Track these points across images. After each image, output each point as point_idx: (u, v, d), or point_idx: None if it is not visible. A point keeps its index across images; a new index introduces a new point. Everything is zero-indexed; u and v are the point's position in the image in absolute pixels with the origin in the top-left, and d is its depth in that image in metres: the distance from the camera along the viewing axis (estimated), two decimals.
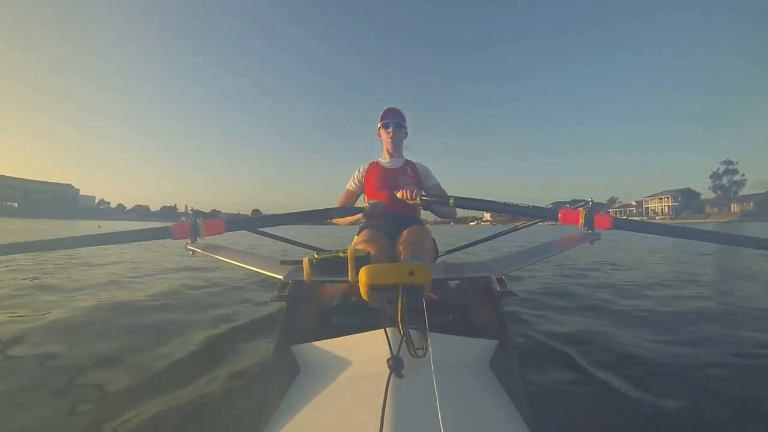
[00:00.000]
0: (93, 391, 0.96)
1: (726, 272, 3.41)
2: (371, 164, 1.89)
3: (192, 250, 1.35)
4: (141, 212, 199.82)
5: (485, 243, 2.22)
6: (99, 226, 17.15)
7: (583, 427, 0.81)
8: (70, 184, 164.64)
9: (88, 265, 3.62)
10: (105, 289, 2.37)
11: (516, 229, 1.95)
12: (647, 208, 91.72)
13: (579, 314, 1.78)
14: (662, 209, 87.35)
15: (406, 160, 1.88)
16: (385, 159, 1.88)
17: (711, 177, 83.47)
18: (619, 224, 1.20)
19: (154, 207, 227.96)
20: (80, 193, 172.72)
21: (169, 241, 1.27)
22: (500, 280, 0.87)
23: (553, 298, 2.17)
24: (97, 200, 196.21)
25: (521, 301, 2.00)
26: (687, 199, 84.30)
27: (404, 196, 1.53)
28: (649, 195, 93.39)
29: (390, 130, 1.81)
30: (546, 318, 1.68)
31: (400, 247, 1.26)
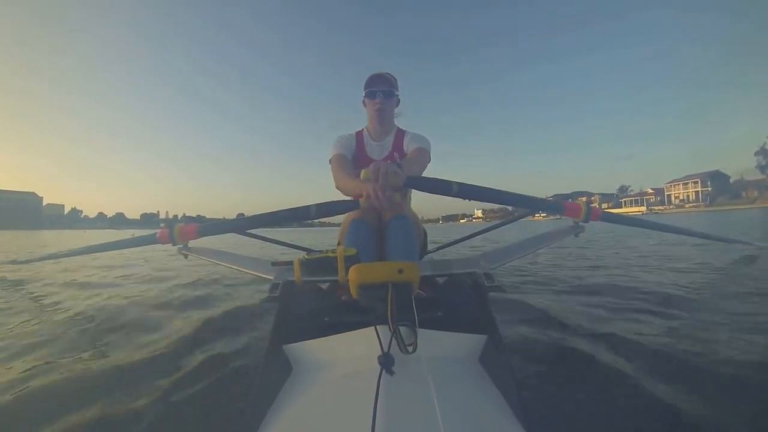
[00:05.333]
0: (78, 393, 0.96)
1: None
2: (357, 138, 1.57)
3: (185, 254, 1.40)
4: (115, 221, 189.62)
5: (473, 240, 2.22)
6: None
7: (574, 420, 0.81)
8: (33, 193, 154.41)
9: (67, 270, 3.40)
10: (89, 292, 2.36)
11: (503, 224, 1.87)
12: (669, 196, 74.61)
13: (569, 308, 1.70)
14: (689, 195, 70.28)
15: (396, 137, 1.54)
16: (370, 138, 1.55)
17: (757, 154, 66.31)
18: (606, 217, 1.38)
19: (133, 215, 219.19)
20: (48, 202, 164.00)
21: (160, 245, 1.46)
22: (488, 275, 0.87)
23: (542, 293, 2.08)
24: (68, 209, 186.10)
25: (510, 296, 1.93)
26: (717, 182, 67.35)
27: (376, 195, 1.01)
28: (669, 181, 76.71)
29: (377, 100, 1.45)
30: (535, 312, 1.62)
31: (389, 244, 1.20)
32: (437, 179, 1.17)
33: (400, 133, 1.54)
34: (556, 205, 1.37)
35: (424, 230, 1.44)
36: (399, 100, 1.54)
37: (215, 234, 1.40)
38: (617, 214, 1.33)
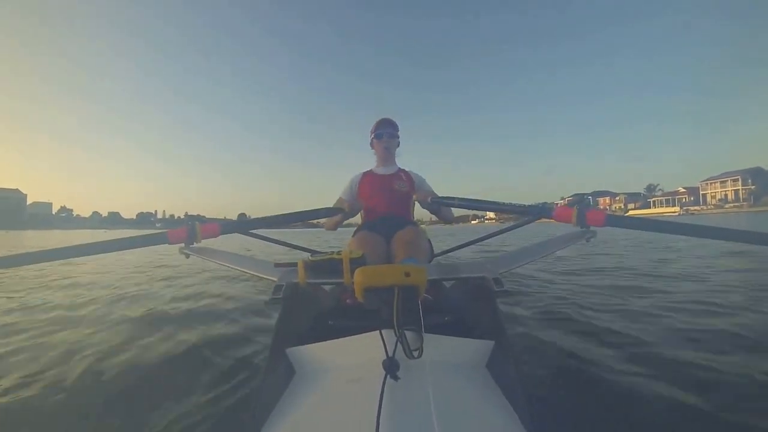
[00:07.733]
0: (80, 398, 0.96)
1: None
2: (365, 174, 1.90)
3: (187, 254, 1.41)
4: (109, 220, 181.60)
5: (481, 244, 2.19)
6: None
7: (583, 428, 0.79)
8: (16, 189, 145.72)
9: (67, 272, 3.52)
10: (89, 296, 2.31)
11: (510, 228, 1.91)
12: (705, 195, 69.29)
13: (578, 313, 1.71)
14: (728, 194, 64.98)
15: (399, 168, 1.90)
16: (378, 168, 1.90)
17: None
18: (612, 221, 1.22)
19: (129, 214, 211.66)
20: (34, 200, 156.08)
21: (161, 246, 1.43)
22: (496, 280, 0.85)
23: (551, 297, 2.09)
24: (56, 208, 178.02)
25: (518, 301, 1.96)
26: (759, 180, 62.18)
27: (419, 197, 1.64)
28: (705, 179, 71.49)
29: (383, 140, 1.83)
30: (544, 317, 1.65)
31: (395, 249, 1.28)
32: (445, 198, 1.47)
33: (402, 171, 1.87)
34: (545, 209, 1.31)
35: (429, 240, 1.54)
36: (399, 143, 1.89)
37: (234, 232, 1.45)
38: (628, 217, 1.18)
